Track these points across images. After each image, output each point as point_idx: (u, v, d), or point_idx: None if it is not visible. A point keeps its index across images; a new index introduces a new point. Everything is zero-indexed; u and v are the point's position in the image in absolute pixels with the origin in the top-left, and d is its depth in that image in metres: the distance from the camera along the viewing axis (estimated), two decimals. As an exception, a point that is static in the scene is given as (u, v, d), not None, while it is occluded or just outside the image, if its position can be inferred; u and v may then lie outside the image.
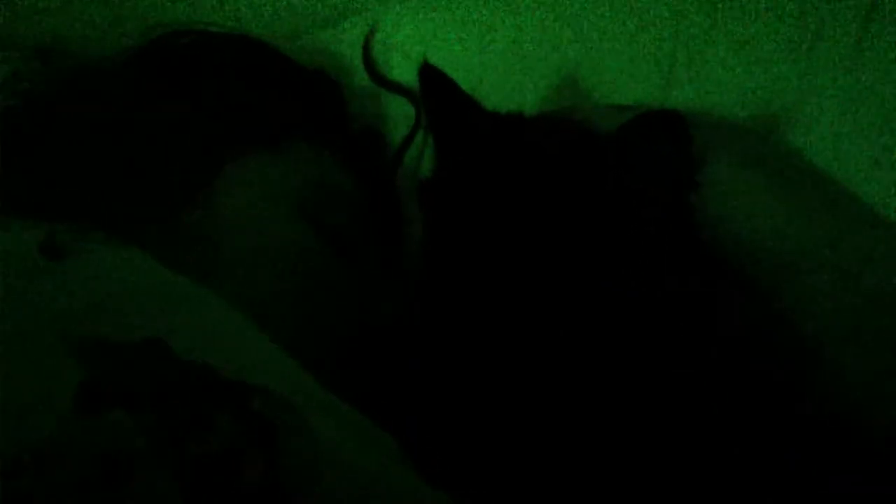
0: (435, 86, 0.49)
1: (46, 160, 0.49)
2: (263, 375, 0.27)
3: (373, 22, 0.66)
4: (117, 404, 0.24)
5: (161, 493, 0.22)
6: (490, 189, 0.48)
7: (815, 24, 0.51)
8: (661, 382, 0.41)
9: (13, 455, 0.22)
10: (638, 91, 0.56)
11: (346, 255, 0.53)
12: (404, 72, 0.64)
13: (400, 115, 0.64)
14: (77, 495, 0.22)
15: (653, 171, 0.44)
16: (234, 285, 0.45)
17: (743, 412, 0.41)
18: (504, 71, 0.61)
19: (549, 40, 0.59)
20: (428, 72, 0.49)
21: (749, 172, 0.46)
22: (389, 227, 0.62)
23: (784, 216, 0.44)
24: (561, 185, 0.46)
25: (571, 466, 0.40)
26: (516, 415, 0.42)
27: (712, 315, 0.44)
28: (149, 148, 0.49)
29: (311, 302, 0.50)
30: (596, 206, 0.45)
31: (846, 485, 0.39)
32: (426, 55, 0.49)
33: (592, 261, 0.44)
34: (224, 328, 0.30)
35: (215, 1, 0.66)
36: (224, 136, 0.52)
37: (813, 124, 0.51)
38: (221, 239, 0.48)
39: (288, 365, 0.30)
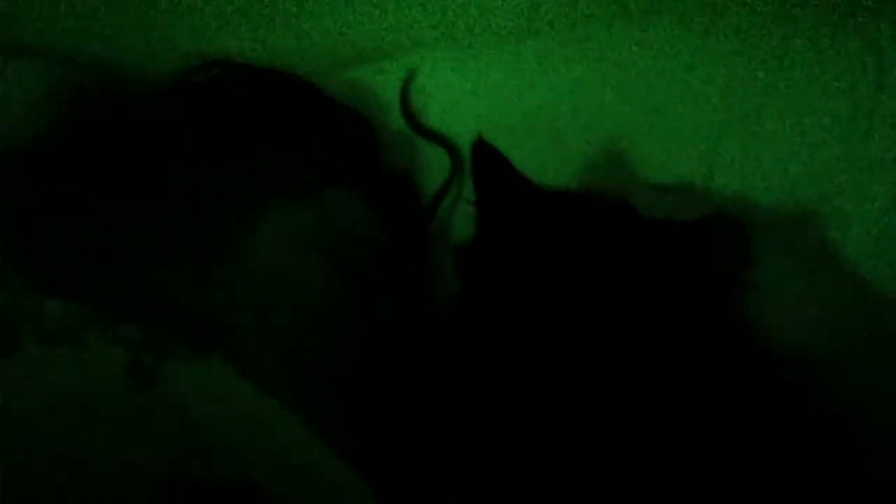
0: (487, 162, 0.48)
1: (71, 203, 0.48)
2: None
3: (413, 64, 0.65)
4: None
5: None
6: (533, 266, 0.47)
7: (869, 114, 0.51)
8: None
9: None
10: (683, 167, 0.55)
11: (376, 305, 0.53)
12: (442, 119, 0.64)
13: (434, 162, 0.64)
14: None
15: (705, 274, 0.44)
16: (265, 344, 0.46)
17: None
18: (541, 130, 0.61)
19: (591, 104, 0.59)
20: (481, 149, 0.48)
21: (792, 273, 0.46)
22: (416, 278, 0.62)
23: (825, 317, 0.45)
24: (608, 270, 0.46)
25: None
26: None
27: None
28: (182, 199, 0.49)
29: (337, 349, 0.50)
30: (643, 298, 0.45)
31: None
32: (480, 130, 0.49)
33: (632, 349, 0.45)
34: (301, 452, 0.30)
35: (253, 31, 0.64)
36: (254, 186, 0.51)
37: (860, 216, 0.51)
38: (254, 297, 0.48)
39: (357, 488, 0.30)
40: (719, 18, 0.57)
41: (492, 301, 0.49)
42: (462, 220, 0.62)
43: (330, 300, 0.51)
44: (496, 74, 0.63)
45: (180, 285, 0.47)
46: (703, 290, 0.45)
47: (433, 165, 0.64)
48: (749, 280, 0.45)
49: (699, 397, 0.44)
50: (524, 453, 0.43)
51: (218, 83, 0.58)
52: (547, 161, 0.59)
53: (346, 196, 0.55)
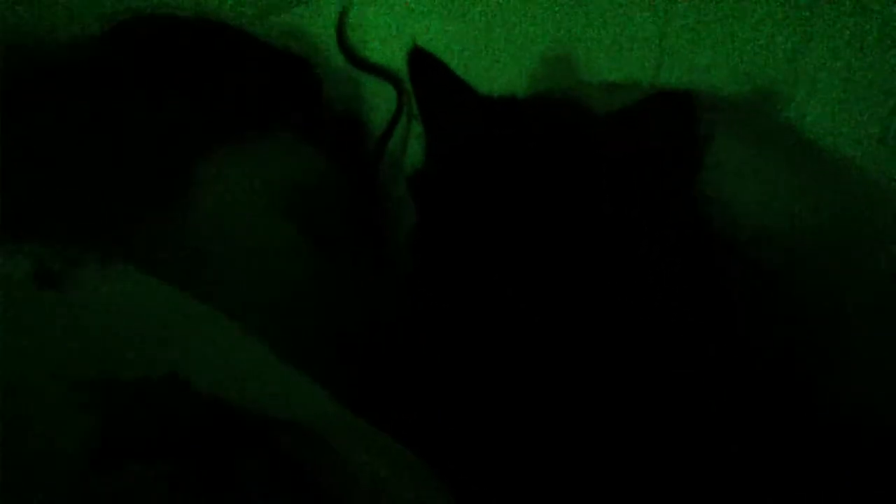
0: (426, 72, 0.47)
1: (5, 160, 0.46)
2: (290, 408, 0.25)
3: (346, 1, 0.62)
4: (135, 455, 0.22)
5: None
6: (486, 179, 0.46)
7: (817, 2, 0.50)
8: (659, 379, 0.41)
9: None
10: (629, 67, 0.54)
11: (334, 255, 0.51)
12: (383, 52, 0.62)
13: (380, 98, 0.61)
14: None
15: (659, 156, 0.42)
16: (222, 299, 0.43)
17: (743, 410, 0.41)
18: (489, 47, 0.59)
19: (536, 15, 0.58)
20: (418, 56, 0.46)
21: (756, 151, 0.45)
22: (372, 221, 0.60)
23: (793, 197, 0.44)
24: (561, 173, 0.45)
25: (569, 464, 0.40)
26: (506, 411, 0.41)
27: (716, 311, 0.43)
28: (113, 146, 0.47)
29: (302, 309, 0.48)
30: (600, 193, 0.44)
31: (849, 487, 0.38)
32: (413, 37, 0.47)
33: (595, 254, 0.43)
34: (241, 355, 0.28)
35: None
36: (194, 128, 0.49)
37: (809, 103, 0.50)
38: (204, 247, 0.45)
39: (315, 393, 0.28)
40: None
41: (448, 220, 0.47)
42: (414, 155, 0.60)
43: (300, 265, 0.49)
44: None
45: (122, 234, 0.44)
46: (659, 174, 0.43)
47: (379, 101, 0.62)
48: (706, 161, 0.44)
49: (663, 292, 0.43)
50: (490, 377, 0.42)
51: (146, 34, 0.56)
52: (493, 81, 0.58)
53: (292, 140, 0.53)
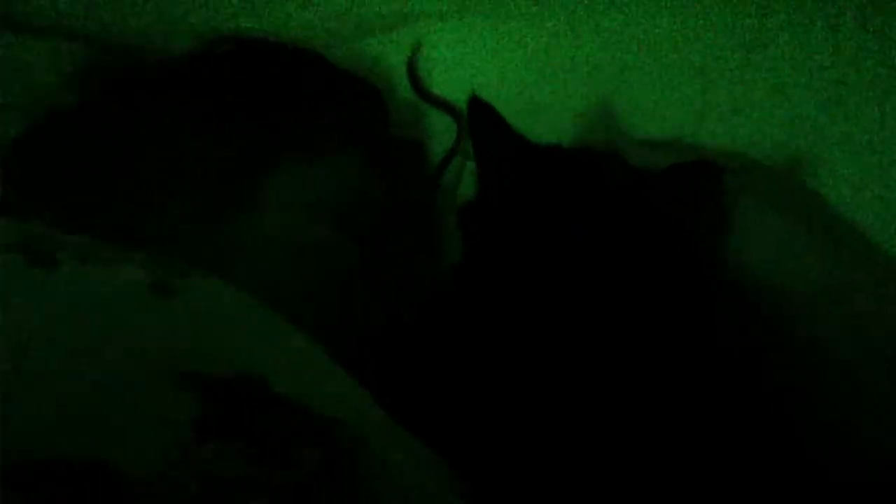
0: (482, 119, 0.51)
1: (90, 167, 0.51)
2: (341, 408, 0.31)
3: (419, 35, 0.68)
4: (224, 436, 0.28)
5: None
6: (531, 219, 0.50)
7: (846, 73, 0.54)
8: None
9: (138, 474, 0.26)
10: (670, 125, 0.58)
11: (374, 260, 0.55)
12: (447, 87, 0.67)
13: (441, 128, 0.66)
14: None
15: (688, 217, 0.46)
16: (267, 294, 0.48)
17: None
18: (541, 94, 0.63)
19: (586, 68, 0.62)
20: (476, 105, 0.51)
21: (778, 217, 0.49)
22: (423, 238, 0.64)
23: (808, 262, 0.47)
24: (599, 220, 0.49)
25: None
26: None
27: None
28: (188, 164, 0.51)
29: (340, 307, 0.52)
30: (632, 246, 0.48)
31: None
32: (474, 89, 0.51)
33: (625, 298, 0.46)
34: (308, 362, 0.34)
35: (262, 7, 0.66)
36: (264, 149, 0.53)
37: (838, 170, 0.53)
38: (258, 253, 0.50)
39: (362, 398, 0.34)
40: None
41: (492, 256, 0.51)
42: (469, 187, 0.65)
43: (336, 260, 0.53)
44: (499, 45, 0.65)
45: (191, 235, 0.49)
46: (684, 236, 0.47)
47: (440, 133, 0.67)
48: (731, 225, 0.48)
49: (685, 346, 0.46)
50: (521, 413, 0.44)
51: (231, 55, 0.61)
52: (547, 126, 0.62)
53: (354, 162, 0.58)
